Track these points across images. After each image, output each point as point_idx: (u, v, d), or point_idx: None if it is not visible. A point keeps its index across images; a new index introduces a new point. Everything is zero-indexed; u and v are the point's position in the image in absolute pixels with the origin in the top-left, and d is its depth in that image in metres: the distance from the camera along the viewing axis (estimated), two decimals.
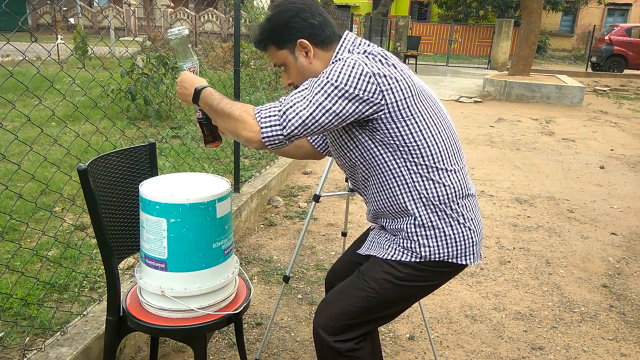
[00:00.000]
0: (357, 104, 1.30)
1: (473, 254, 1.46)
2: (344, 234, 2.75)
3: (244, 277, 1.81)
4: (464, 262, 1.46)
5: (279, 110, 1.29)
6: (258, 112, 1.31)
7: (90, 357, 1.89)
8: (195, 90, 1.44)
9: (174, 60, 5.94)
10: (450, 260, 1.44)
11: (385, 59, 1.37)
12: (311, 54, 1.44)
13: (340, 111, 1.30)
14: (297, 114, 1.28)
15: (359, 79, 1.28)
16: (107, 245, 1.58)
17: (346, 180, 2.51)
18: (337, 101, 1.28)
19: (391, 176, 1.42)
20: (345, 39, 1.46)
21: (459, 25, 22.67)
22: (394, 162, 1.40)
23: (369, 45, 1.43)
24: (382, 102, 1.31)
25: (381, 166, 1.42)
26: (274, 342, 2.35)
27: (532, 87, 10.57)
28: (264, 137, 1.29)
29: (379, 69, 1.31)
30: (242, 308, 1.64)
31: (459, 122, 7.95)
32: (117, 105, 5.63)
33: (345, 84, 1.28)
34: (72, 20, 17.21)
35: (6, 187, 2.14)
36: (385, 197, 1.46)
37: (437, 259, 1.43)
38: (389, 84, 1.31)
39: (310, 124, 1.29)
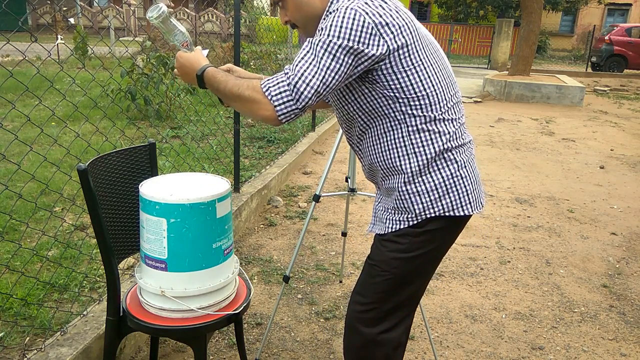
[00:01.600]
0: (363, 59, 1.27)
1: (470, 202, 1.42)
2: (344, 234, 2.75)
3: (244, 277, 1.81)
4: (462, 213, 1.40)
5: (289, 84, 1.25)
6: (267, 90, 1.26)
7: (90, 357, 1.89)
8: (196, 76, 1.41)
9: (174, 60, 5.94)
10: (447, 214, 1.39)
11: (386, 2, 1.31)
12: None
13: (348, 69, 1.27)
14: (307, 84, 1.24)
15: (361, 31, 1.24)
16: (107, 245, 1.58)
17: (346, 180, 2.51)
18: (343, 59, 1.25)
19: (388, 127, 1.39)
20: None
21: (459, 25, 22.66)
22: (393, 114, 1.36)
23: None
24: (386, 52, 1.28)
25: (380, 118, 1.39)
26: (274, 342, 2.35)
27: (532, 87, 10.57)
28: (280, 115, 1.26)
29: (380, 17, 1.26)
30: (242, 308, 1.64)
31: None
32: (117, 105, 5.63)
33: (349, 39, 1.23)
34: (72, 20, 17.20)
35: (6, 187, 2.14)
36: (379, 150, 1.43)
37: (432, 215, 1.39)
38: (391, 33, 1.27)
39: (322, 91, 1.26)
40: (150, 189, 1.54)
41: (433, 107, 1.36)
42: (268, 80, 1.28)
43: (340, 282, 2.91)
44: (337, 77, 1.26)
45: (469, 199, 1.41)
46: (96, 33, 16.54)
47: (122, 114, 5.56)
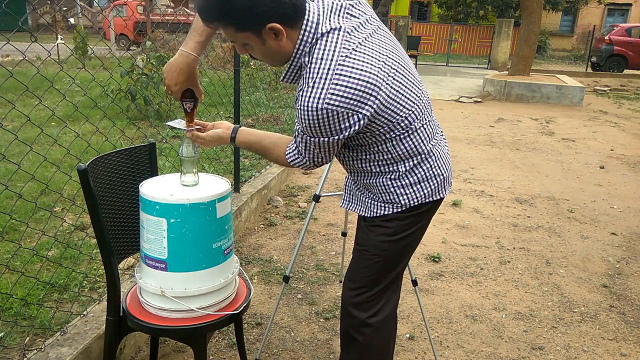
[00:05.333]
0: (351, 133, 1.33)
1: (445, 187, 1.56)
2: (344, 234, 2.75)
3: (244, 277, 1.81)
4: (439, 197, 1.55)
5: (308, 161, 1.45)
6: (295, 165, 1.48)
7: (90, 357, 1.89)
8: (231, 139, 1.55)
9: None
10: (428, 200, 1.51)
11: (354, 63, 1.26)
12: (283, 37, 1.27)
13: (343, 142, 1.39)
14: (320, 160, 1.44)
15: (339, 121, 1.28)
16: (107, 245, 1.58)
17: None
18: (337, 143, 1.36)
19: (373, 142, 1.42)
20: (304, 30, 1.29)
21: (459, 25, 22.66)
22: (374, 144, 1.42)
23: (326, 42, 1.28)
24: (366, 118, 1.31)
25: (361, 146, 1.45)
26: (274, 342, 2.35)
27: (532, 87, 10.56)
28: (310, 169, 1.52)
29: (351, 99, 1.25)
30: (242, 308, 1.64)
31: (459, 122, 7.95)
32: (117, 105, 5.62)
33: (332, 134, 1.31)
34: (72, 20, 17.20)
35: (6, 187, 2.14)
36: (359, 163, 1.50)
37: (417, 203, 1.50)
38: (367, 105, 1.28)
39: (333, 156, 1.45)
40: (150, 189, 1.54)
41: (412, 122, 1.41)
42: (292, 158, 1.48)
43: (340, 282, 2.90)
44: (337, 149, 1.41)
45: (444, 185, 1.55)
46: (96, 33, 16.53)
47: (122, 114, 5.56)
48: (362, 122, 1.30)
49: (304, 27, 1.29)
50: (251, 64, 8.53)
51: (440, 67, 17.38)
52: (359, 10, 1.36)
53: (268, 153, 1.54)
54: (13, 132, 2.16)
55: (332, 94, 1.25)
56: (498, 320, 2.62)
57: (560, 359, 2.34)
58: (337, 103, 1.26)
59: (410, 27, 19.96)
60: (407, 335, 2.45)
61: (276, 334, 2.41)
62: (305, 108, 1.28)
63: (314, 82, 1.27)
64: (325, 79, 1.26)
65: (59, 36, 10.68)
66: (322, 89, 1.25)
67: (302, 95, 1.30)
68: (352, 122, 1.29)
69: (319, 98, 1.26)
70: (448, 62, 18.56)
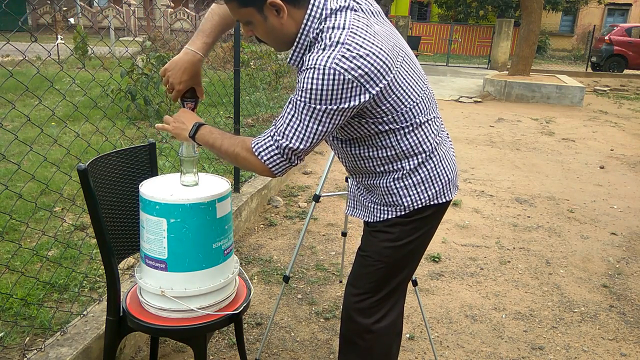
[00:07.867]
0: (348, 111, 1.27)
1: (450, 189, 1.52)
2: (344, 234, 2.75)
3: (244, 277, 1.81)
4: (444, 200, 1.50)
5: (278, 148, 1.31)
6: (259, 155, 1.33)
7: (90, 357, 1.89)
8: (193, 125, 1.44)
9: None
10: (432, 203, 1.47)
11: (364, 39, 1.24)
12: (284, 13, 1.27)
13: (334, 125, 1.29)
14: (296, 147, 1.30)
15: (343, 89, 1.22)
16: (107, 245, 1.58)
17: (346, 180, 2.51)
18: (329, 121, 1.27)
19: (377, 137, 1.39)
20: (313, 5, 1.28)
21: (459, 25, 22.66)
22: (380, 130, 1.38)
23: (337, 17, 1.26)
24: (370, 98, 1.27)
25: (363, 138, 1.41)
26: (274, 342, 2.35)
27: (532, 87, 10.57)
28: (275, 172, 1.35)
29: (359, 69, 1.22)
30: (242, 308, 1.64)
31: (459, 122, 7.95)
32: (117, 105, 5.63)
33: (332, 102, 1.24)
34: (72, 20, 17.20)
35: (6, 187, 2.14)
36: (363, 162, 1.47)
37: (420, 206, 1.46)
38: (372, 80, 1.24)
39: (312, 145, 1.31)
40: (150, 189, 1.54)
41: (417, 115, 1.39)
42: (258, 143, 1.33)
43: (340, 282, 2.91)
44: (324, 134, 1.30)
45: (449, 187, 1.51)
46: (96, 33, 16.53)
47: (122, 114, 5.56)
48: (363, 98, 1.25)
49: (312, 3, 1.28)
50: (251, 63, 8.53)
51: (440, 67, 17.37)
52: (366, 1, 1.36)
53: (233, 143, 1.38)
54: (13, 132, 2.16)
55: (343, 56, 1.21)
56: (498, 320, 2.62)
57: (560, 359, 2.34)
58: (345, 67, 1.20)
59: (410, 27, 19.97)
60: (407, 335, 2.45)
61: (276, 334, 2.41)
62: (312, 67, 1.22)
63: (325, 46, 1.23)
64: (338, 42, 1.22)
65: (59, 36, 10.67)
66: (334, 50, 1.22)
67: (310, 58, 1.24)
68: (354, 93, 1.23)
69: (328, 57, 1.21)
70: (448, 62, 18.56)
